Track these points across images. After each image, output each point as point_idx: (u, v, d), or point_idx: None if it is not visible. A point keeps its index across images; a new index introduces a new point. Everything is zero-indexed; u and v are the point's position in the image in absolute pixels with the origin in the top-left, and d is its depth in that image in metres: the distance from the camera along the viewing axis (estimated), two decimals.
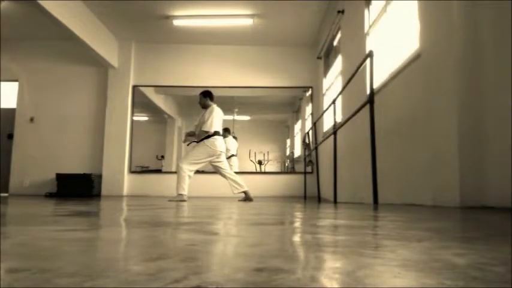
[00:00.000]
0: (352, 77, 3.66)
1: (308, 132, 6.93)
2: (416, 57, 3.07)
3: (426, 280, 0.55)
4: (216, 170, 5.06)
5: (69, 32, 5.91)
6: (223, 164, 4.99)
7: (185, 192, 4.74)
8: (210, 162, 4.98)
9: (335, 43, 6.51)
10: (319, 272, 0.61)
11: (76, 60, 7.81)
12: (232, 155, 7.63)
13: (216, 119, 4.94)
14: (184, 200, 4.58)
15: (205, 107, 5.07)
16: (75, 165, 7.53)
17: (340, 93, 4.20)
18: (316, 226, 1.43)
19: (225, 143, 6.92)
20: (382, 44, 4.13)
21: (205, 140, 4.90)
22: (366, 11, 4.63)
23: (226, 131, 8.17)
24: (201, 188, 7.00)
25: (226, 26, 7.12)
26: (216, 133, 4.92)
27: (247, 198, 4.86)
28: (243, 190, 4.87)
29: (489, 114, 2.38)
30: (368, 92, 3.03)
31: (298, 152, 8.32)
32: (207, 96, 5.10)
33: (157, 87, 8.08)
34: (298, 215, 2.15)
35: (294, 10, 6.52)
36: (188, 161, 4.84)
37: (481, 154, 2.40)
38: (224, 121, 5.26)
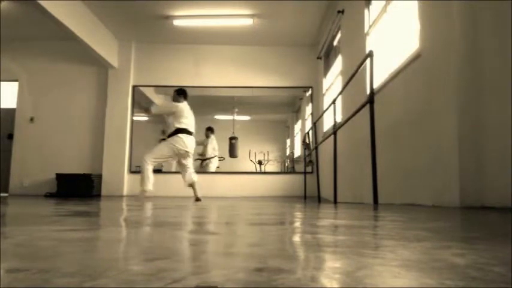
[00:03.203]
0: (352, 77, 3.65)
1: (308, 132, 6.93)
2: (416, 57, 3.07)
3: (426, 280, 0.55)
4: (178, 164, 5.03)
5: (69, 32, 5.91)
6: (189, 163, 4.97)
7: (150, 187, 4.63)
8: (178, 160, 4.97)
9: (335, 43, 6.51)
10: (319, 272, 0.61)
11: (76, 60, 7.80)
12: (215, 156, 7.67)
13: (184, 117, 4.91)
14: (146, 196, 4.50)
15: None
16: (75, 165, 7.52)
17: (340, 93, 4.20)
18: (316, 226, 1.43)
19: (211, 142, 6.95)
20: (382, 44, 4.13)
21: (169, 138, 4.88)
22: (366, 11, 4.63)
23: (209, 130, 8.14)
24: (202, 188, 6.98)
25: (226, 26, 7.12)
26: (180, 130, 4.86)
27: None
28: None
29: (489, 114, 2.37)
30: (368, 92, 3.03)
31: (298, 152, 8.32)
32: (180, 94, 5.16)
33: (157, 87, 8.08)
34: (298, 215, 2.15)
35: (294, 10, 6.52)
36: (152, 155, 4.78)
37: (481, 154, 2.40)
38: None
